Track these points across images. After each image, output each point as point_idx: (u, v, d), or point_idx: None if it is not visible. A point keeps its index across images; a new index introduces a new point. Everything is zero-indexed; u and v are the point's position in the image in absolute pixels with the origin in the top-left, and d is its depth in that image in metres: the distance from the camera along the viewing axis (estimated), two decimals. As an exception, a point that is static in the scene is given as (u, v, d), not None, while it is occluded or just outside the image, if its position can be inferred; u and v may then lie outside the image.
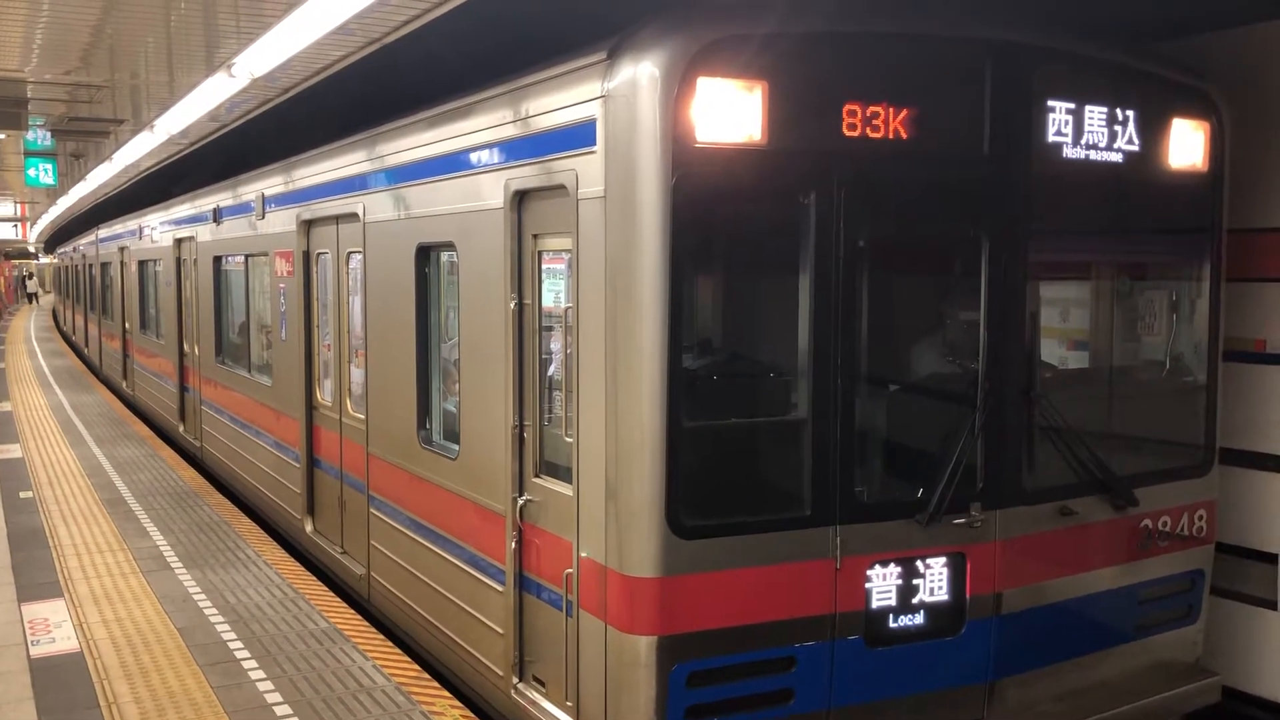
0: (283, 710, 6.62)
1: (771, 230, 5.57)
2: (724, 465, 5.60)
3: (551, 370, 6.21)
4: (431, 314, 7.70)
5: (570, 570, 5.70)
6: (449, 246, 7.20)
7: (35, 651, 7.52)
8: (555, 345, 6.13)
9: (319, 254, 10.02)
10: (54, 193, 28.79)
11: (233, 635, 7.83)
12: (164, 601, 8.60)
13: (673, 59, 5.11)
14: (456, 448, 7.12)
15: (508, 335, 6.31)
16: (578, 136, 5.53)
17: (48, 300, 73.86)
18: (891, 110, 5.53)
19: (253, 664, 7.30)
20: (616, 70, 5.27)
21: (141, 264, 20.05)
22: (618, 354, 5.27)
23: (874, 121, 5.51)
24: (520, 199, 6.22)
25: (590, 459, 5.50)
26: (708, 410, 5.49)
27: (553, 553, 5.98)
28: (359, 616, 8.50)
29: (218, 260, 14.01)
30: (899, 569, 5.71)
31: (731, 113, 5.21)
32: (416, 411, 7.68)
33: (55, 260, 54.72)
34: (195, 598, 8.73)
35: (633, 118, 5.17)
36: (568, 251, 5.77)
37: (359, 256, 8.84)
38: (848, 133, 5.46)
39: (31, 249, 68.30)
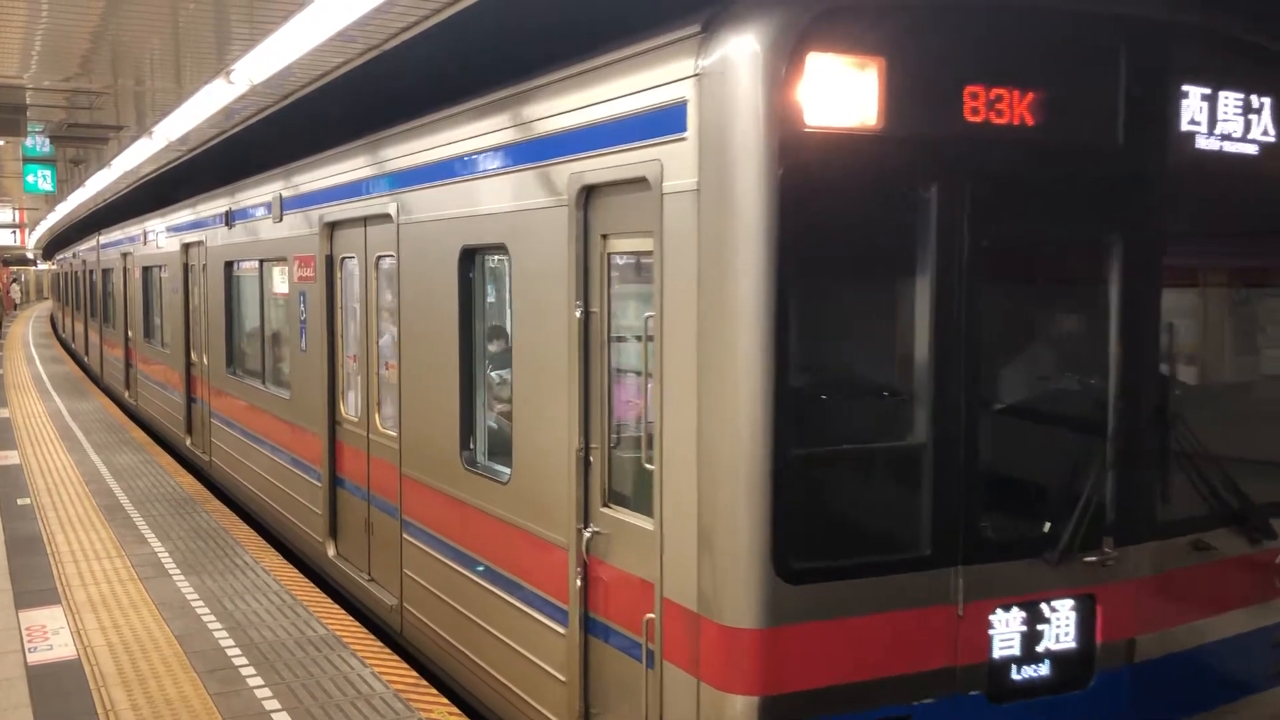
0: (281, 717, 6.54)
1: (887, 228, 4.89)
2: (836, 498, 4.91)
3: (625, 387, 5.54)
4: (476, 323, 7.02)
5: (652, 615, 5.01)
6: (499, 249, 6.52)
7: (33, 658, 7.44)
8: (630, 360, 5.45)
9: (343, 258, 9.34)
10: (53, 199, 28.30)
11: (231, 642, 7.77)
12: (162, 608, 8.54)
13: (779, 32, 4.45)
14: (508, 471, 6.43)
15: (571, 347, 5.64)
16: (664, 122, 4.86)
17: (42, 308, 72.62)
18: (1016, 94, 4.87)
19: (250, 671, 7.22)
20: (713, 45, 4.60)
21: (146, 270, 19.36)
22: (712, 370, 4.60)
23: (998, 106, 4.84)
24: (588, 195, 5.54)
25: (677, 490, 4.82)
26: (817, 435, 4.79)
27: (628, 594, 5.29)
28: (357, 623, 8.35)
29: (229, 266, 13.32)
30: (1023, 614, 5.03)
31: (844, 93, 4.55)
32: (460, 430, 6.99)
33: (54, 266, 54.00)
34: (193, 604, 8.66)
35: (733, 99, 4.50)
36: (646, 253, 5.11)
37: (391, 260, 8.16)
38: (969, 118, 4.79)
39: (30, 255, 67.46)
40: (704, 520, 4.65)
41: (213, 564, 9.87)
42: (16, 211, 37.76)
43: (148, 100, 12.16)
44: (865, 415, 5.05)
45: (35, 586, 9.12)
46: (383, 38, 8.31)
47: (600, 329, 5.55)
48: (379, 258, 8.49)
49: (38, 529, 11.14)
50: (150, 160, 17.48)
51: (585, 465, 5.62)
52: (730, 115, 4.52)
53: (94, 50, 9.43)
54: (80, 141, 15.36)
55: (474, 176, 6.72)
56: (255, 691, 6.87)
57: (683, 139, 4.74)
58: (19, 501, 12.46)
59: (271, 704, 6.68)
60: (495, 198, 6.46)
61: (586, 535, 5.58)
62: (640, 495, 5.35)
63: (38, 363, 32.29)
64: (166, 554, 10.21)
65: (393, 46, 8.57)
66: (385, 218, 8.10)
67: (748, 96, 4.46)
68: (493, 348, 7.07)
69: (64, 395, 23.69)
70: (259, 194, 11.72)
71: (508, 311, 6.51)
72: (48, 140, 15.37)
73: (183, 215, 15.99)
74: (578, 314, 5.58)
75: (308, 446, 10.15)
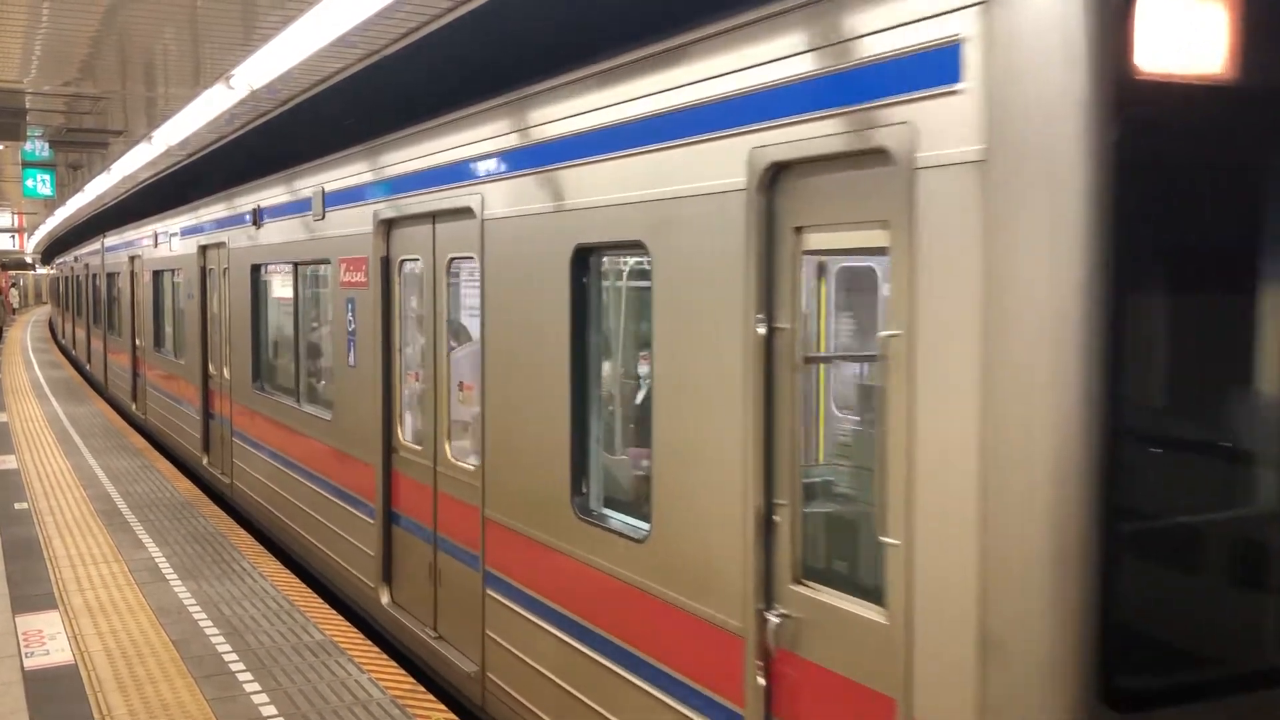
0: (278, 724, 6.47)
1: (1234, 213, 3.61)
2: (1172, 592, 3.62)
3: (825, 426, 4.25)
4: (593, 339, 5.72)
5: None
6: (634, 247, 5.23)
7: (29, 663, 7.40)
8: (833, 390, 4.17)
9: (403, 261, 8.04)
10: (52, 203, 27.26)
11: (228, 647, 7.72)
12: (159, 613, 8.48)
13: None
14: (645, 526, 5.13)
15: (748, 374, 4.35)
16: (921, 70, 3.57)
17: (40, 312, 71.21)
18: None
19: (248, 676, 7.18)
20: (1007, -39, 3.32)
21: (156, 274, 18.04)
22: (1006, 410, 3.31)
23: None
24: (775, 175, 4.25)
25: (934, 572, 3.53)
26: (1149, 505, 3.51)
27: (840, 703, 3.99)
28: (354, 629, 8.23)
29: (256, 269, 12.00)
30: None
31: (1185, 32, 3.29)
32: (570, 470, 5.69)
33: (53, 271, 52.69)
34: (190, 610, 8.60)
35: (1041, 38, 3.22)
36: (872, 251, 3.83)
37: (471, 263, 6.86)
38: None
39: (29, 260, 66.14)
40: (989, 621, 3.36)
41: (210, 569, 9.77)
42: (15, 216, 36.75)
43: (154, 106, 11.93)
44: (1206, 475, 3.75)
45: (32, 591, 9.00)
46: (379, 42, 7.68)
47: (790, 350, 4.26)
48: (453, 259, 7.20)
49: (35, 533, 10.99)
50: (149, 165, 16.61)
51: (768, 528, 4.32)
52: (1037, 59, 3.23)
53: (94, 55, 9.33)
54: (79, 146, 15.24)
55: (597, 159, 5.43)
56: (252, 697, 6.83)
57: (953, 92, 3.45)
58: (16, 506, 12.31)
59: (268, 709, 6.63)
60: (629, 184, 5.16)
61: (773, 621, 4.28)
62: (856, 572, 4.07)
63: (36, 367, 31.63)
64: (164, 559, 10.10)
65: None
66: (464, 212, 6.80)
67: (1063, 34, 3.19)
68: (621, 371, 5.77)
69: (62, 400, 23.22)
70: (297, 188, 10.41)
71: (647, 325, 5.22)
72: (47, 145, 15.24)
73: (200, 215, 14.67)
74: (760, 330, 4.30)
75: (354, 475, 8.85)
